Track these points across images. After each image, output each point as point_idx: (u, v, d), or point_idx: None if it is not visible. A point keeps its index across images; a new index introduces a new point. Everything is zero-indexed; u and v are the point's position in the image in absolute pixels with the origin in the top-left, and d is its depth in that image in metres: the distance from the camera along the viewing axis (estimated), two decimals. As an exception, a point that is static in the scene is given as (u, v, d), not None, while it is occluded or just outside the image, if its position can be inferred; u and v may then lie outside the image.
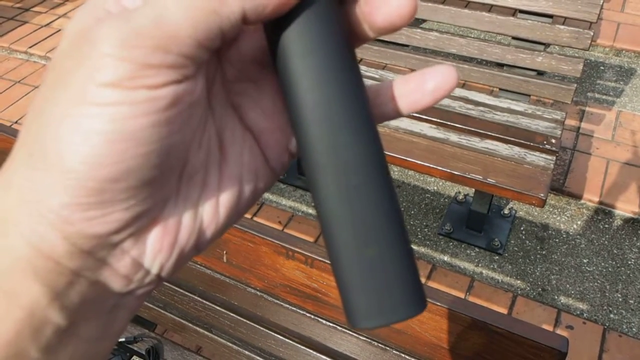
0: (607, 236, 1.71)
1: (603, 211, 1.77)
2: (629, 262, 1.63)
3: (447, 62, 1.63)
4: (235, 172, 0.22)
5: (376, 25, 0.21)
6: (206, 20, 0.18)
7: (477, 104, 1.56)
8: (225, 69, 0.22)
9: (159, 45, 0.17)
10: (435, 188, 1.90)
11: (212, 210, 0.21)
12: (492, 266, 1.65)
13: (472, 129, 1.48)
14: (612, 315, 1.51)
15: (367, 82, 0.21)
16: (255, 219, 1.82)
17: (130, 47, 0.17)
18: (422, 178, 1.94)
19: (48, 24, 2.86)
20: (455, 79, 0.21)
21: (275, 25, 0.20)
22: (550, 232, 1.74)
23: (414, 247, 1.71)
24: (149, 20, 0.17)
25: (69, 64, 0.18)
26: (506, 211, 1.78)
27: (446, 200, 1.85)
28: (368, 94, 0.21)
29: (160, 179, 0.19)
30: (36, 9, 3.00)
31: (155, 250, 0.20)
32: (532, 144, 1.43)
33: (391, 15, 0.20)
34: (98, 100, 0.17)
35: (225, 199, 0.22)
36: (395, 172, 1.96)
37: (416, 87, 0.22)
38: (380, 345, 0.71)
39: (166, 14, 0.17)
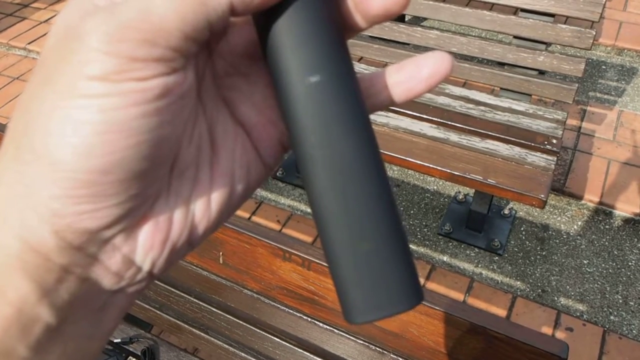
0: (607, 237, 1.70)
1: (604, 212, 1.76)
2: (630, 264, 1.62)
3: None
4: (227, 167, 0.22)
5: (370, 14, 0.20)
6: (193, 12, 0.17)
7: (478, 103, 1.55)
8: (216, 64, 0.22)
9: (146, 39, 0.17)
10: (435, 188, 1.89)
11: (204, 206, 0.21)
12: (491, 267, 1.64)
13: (473, 129, 1.47)
14: (612, 317, 1.50)
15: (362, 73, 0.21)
16: (253, 218, 1.81)
17: (117, 41, 0.17)
18: (421, 178, 1.93)
19: (47, 20, 2.85)
20: (449, 65, 0.21)
21: (264, 17, 0.20)
22: (550, 232, 1.73)
23: (413, 247, 1.70)
24: (136, 13, 0.17)
25: (56, 60, 0.17)
26: (506, 211, 1.77)
27: (446, 200, 1.84)
28: (361, 84, 0.21)
29: (151, 173, 0.19)
30: (35, 5, 2.99)
31: (146, 247, 0.20)
32: (533, 144, 1.42)
33: (386, 1, 0.20)
34: (87, 93, 0.17)
35: (217, 195, 0.22)
36: (395, 171, 1.95)
37: (411, 75, 0.21)
38: (378, 349, 0.71)
39: (152, 6, 0.17)
